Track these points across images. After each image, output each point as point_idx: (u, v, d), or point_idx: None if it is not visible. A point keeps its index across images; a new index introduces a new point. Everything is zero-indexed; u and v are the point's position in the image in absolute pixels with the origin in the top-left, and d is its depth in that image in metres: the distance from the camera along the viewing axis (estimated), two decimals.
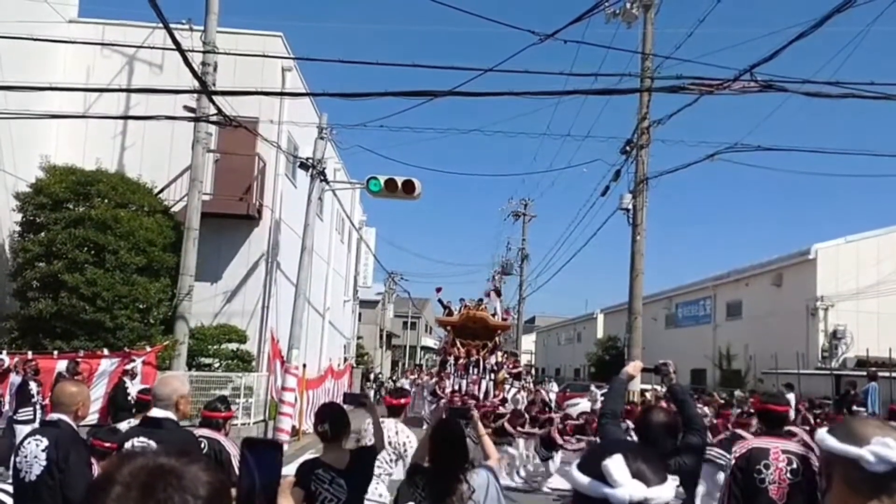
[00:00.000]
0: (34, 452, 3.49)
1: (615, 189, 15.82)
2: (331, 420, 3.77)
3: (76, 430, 3.71)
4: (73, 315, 13.04)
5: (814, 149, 42.00)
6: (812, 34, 8.77)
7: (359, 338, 38.99)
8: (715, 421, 11.61)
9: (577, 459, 1.40)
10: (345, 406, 4.26)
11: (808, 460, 3.95)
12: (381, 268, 38.97)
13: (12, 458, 3.64)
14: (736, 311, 33.21)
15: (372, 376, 37.74)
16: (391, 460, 5.33)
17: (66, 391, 3.77)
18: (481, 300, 21.76)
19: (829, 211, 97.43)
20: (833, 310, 26.10)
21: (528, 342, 62.34)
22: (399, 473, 5.13)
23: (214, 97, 12.74)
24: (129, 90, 15.74)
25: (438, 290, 22.90)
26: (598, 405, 11.92)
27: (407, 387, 22.40)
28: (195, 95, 13.13)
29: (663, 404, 9.26)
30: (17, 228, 14.37)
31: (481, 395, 18.53)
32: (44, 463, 3.46)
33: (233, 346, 15.60)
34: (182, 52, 10.31)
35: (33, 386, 10.60)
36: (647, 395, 17.25)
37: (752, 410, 7.53)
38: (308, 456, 4.33)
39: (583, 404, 19.26)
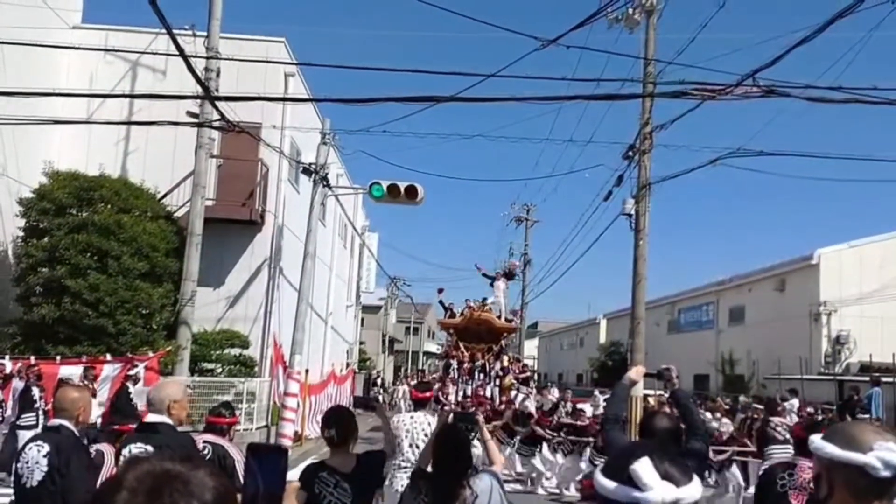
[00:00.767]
0: (35, 458, 3.47)
1: (618, 194, 15.77)
2: (337, 424, 3.75)
3: (78, 436, 3.70)
4: (76, 320, 13.06)
5: (817, 154, 42.05)
6: (814, 39, 8.75)
7: (361, 343, 38.98)
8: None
9: (599, 465, 1.40)
10: (355, 410, 4.25)
11: None
12: (384, 273, 39.06)
13: (14, 464, 3.63)
14: (739, 316, 33.15)
15: (379, 381, 37.77)
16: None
17: (67, 397, 3.76)
18: (485, 300, 21.32)
19: (833, 216, 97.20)
20: (836, 315, 26.04)
21: (530, 347, 62.25)
22: None
23: (217, 103, 12.77)
24: (132, 96, 15.82)
25: (440, 291, 22.93)
26: (601, 410, 11.94)
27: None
28: (198, 101, 13.19)
29: (666, 409, 9.25)
30: (21, 234, 14.42)
31: None
32: (45, 468, 3.44)
33: (235, 351, 15.61)
34: (185, 57, 10.32)
35: (36, 391, 10.56)
36: (650, 400, 17.20)
37: (789, 437, 7.17)
38: (312, 460, 4.33)
39: (586, 410, 19.14)
